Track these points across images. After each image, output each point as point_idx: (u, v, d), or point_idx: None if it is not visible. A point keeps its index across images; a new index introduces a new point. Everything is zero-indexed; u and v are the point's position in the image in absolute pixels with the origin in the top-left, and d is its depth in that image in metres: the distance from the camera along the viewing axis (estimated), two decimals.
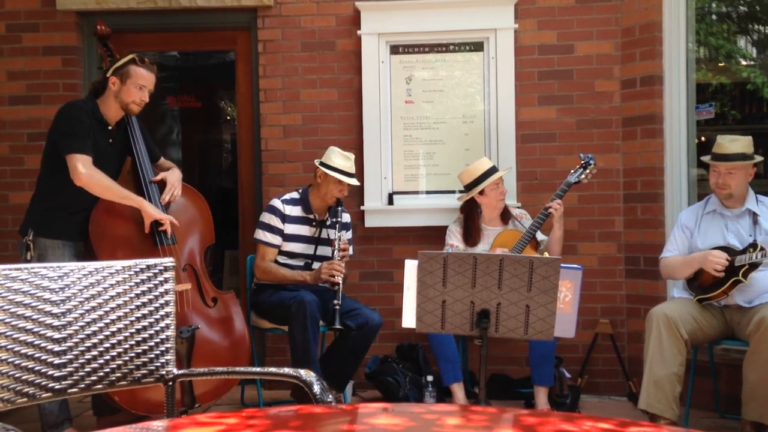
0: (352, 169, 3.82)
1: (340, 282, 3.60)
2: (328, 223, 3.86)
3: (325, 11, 4.38)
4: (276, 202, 3.85)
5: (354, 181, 3.84)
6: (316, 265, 3.80)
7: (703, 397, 3.82)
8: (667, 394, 3.30)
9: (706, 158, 3.55)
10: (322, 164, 3.79)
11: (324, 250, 3.83)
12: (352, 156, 3.86)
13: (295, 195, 3.90)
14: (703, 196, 3.82)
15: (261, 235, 3.82)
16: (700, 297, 3.44)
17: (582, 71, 4.30)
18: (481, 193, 3.91)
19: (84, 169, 3.19)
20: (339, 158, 3.80)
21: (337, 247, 3.70)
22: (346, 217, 3.90)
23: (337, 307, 3.56)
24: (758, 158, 3.46)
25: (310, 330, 3.49)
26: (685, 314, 3.38)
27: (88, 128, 3.25)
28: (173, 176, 3.51)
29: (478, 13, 4.30)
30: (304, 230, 3.85)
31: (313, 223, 3.86)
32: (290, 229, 3.82)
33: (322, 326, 3.70)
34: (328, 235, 3.85)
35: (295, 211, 3.84)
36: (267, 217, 3.83)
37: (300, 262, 3.85)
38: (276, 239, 3.80)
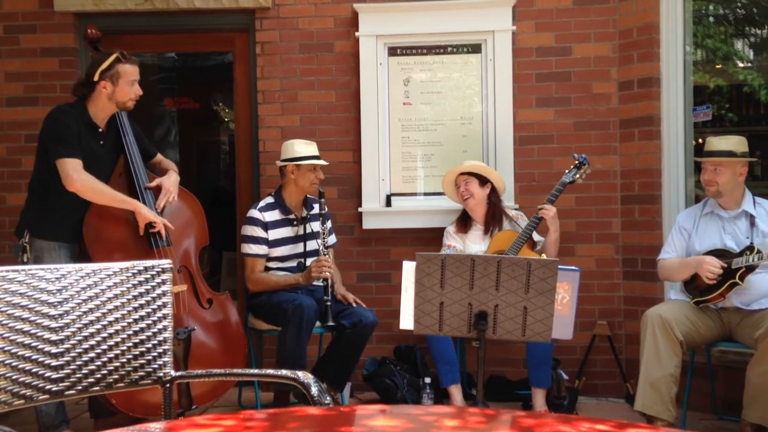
0: (317, 151, 3.84)
1: (329, 277, 3.61)
2: (309, 217, 3.86)
3: (323, 13, 4.38)
4: (254, 212, 3.80)
5: (324, 162, 3.85)
6: (309, 261, 3.79)
7: (700, 399, 3.82)
8: (663, 395, 3.30)
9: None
10: (287, 160, 3.80)
11: (313, 245, 3.83)
12: (311, 141, 3.89)
13: (269, 200, 3.87)
14: (700, 198, 3.82)
15: (248, 248, 3.79)
16: (697, 299, 3.44)
17: (580, 73, 4.30)
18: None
19: (76, 174, 3.17)
20: (301, 147, 3.82)
21: (322, 239, 3.70)
22: (324, 207, 3.90)
23: (328, 303, 3.58)
24: (746, 158, 3.45)
25: (303, 335, 3.48)
26: (681, 316, 3.38)
27: (75, 132, 3.23)
28: (169, 181, 3.48)
29: (475, 15, 4.30)
30: (287, 232, 3.84)
31: (295, 222, 3.85)
32: (274, 234, 3.80)
33: (317, 327, 3.71)
34: (311, 229, 3.85)
35: (274, 215, 3.82)
36: (249, 230, 3.79)
37: (293, 263, 3.84)
38: (262, 249, 3.78)
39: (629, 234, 4.25)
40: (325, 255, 3.68)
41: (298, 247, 3.84)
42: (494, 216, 3.98)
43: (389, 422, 1.37)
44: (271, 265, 3.83)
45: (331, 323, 3.57)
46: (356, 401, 4.19)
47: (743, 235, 3.44)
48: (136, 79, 3.33)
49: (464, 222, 4.03)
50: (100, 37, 3.53)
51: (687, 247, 3.56)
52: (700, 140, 4.43)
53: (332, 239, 4.02)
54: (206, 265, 4.81)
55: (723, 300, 3.38)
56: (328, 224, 3.94)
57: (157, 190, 3.44)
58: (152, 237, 3.34)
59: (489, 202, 3.99)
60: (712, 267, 3.32)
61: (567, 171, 3.87)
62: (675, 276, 3.59)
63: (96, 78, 3.28)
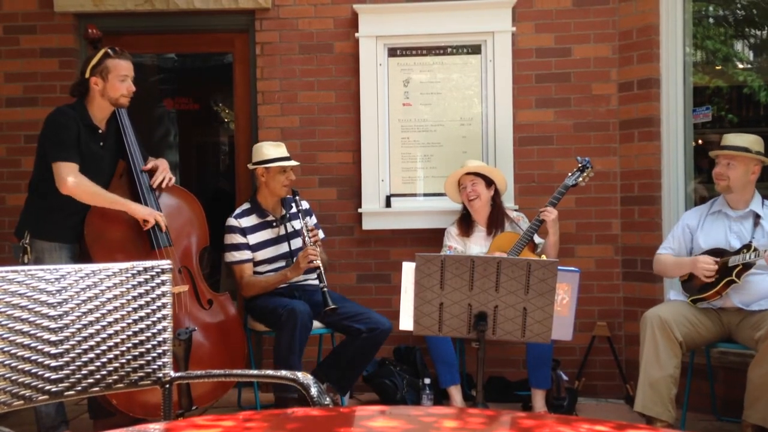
0: (287, 153, 3.84)
1: (320, 265, 3.62)
2: (288, 216, 3.86)
3: (323, 14, 4.38)
4: (230, 221, 3.83)
5: (294, 162, 3.85)
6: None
7: (700, 400, 3.82)
8: (663, 396, 3.30)
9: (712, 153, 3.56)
10: (258, 163, 3.80)
11: (297, 243, 3.83)
12: (280, 143, 3.89)
13: (245, 206, 3.89)
14: (704, 199, 3.82)
15: (230, 256, 3.81)
16: (695, 297, 3.44)
17: (579, 74, 4.30)
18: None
19: (69, 178, 3.17)
20: (270, 149, 3.82)
21: (306, 234, 3.70)
22: (304, 204, 3.89)
23: (325, 289, 3.58)
24: (762, 156, 3.43)
25: (297, 340, 3.48)
26: (680, 317, 3.38)
27: (74, 135, 3.23)
28: (164, 163, 3.53)
29: (475, 16, 4.30)
30: (268, 234, 3.84)
31: (274, 224, 3.85)
32: (254, 238, 3.81)
33: (321, 328, 3.71)
34: (293, 227, 3.85)
35: (251, 220, 3.83)
36: (229, 238, 3.82)
37: (281, 263, 3.84)
38: (245, 254, 3.79)
39: (629, 235, 4.25)
40: (311, 246, 3.67)
41: (283, 247, 3.84)
42: (497, 217, 3.98)
43: (389, 423, 1.37)
44: (261, 269, 3.83)
45: (332, 306, 3.55)
46: (356, 402, 4.18)
47: (748, 235, 3.43)
48: (127, 75, 3.31)
49: (466, 224, 4.02)
50: (100, 37, 3.53)
51: (690, 245, 3.57)
52: (700, 141, 4.43)
53: (319, 234, 3.99)
54: (205, 266, 4.80)
55: (720, 298, 3.39)
56: (313, 219, 3.95)
57: (152, 174, 3.47)
58: (153, 236, 3.34)
59: (493, 203, 3.99)
60: (706, 265, 3.34)
61: (570, 174, 3.86)
62: (668, 273, 3.66)
63: (87, 75, 3.27)
